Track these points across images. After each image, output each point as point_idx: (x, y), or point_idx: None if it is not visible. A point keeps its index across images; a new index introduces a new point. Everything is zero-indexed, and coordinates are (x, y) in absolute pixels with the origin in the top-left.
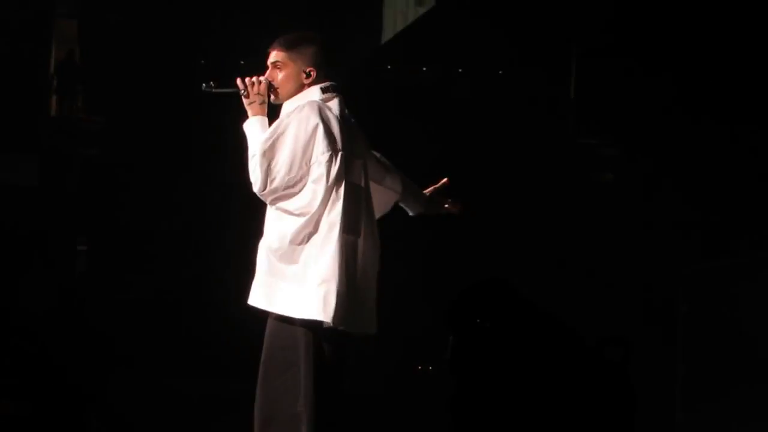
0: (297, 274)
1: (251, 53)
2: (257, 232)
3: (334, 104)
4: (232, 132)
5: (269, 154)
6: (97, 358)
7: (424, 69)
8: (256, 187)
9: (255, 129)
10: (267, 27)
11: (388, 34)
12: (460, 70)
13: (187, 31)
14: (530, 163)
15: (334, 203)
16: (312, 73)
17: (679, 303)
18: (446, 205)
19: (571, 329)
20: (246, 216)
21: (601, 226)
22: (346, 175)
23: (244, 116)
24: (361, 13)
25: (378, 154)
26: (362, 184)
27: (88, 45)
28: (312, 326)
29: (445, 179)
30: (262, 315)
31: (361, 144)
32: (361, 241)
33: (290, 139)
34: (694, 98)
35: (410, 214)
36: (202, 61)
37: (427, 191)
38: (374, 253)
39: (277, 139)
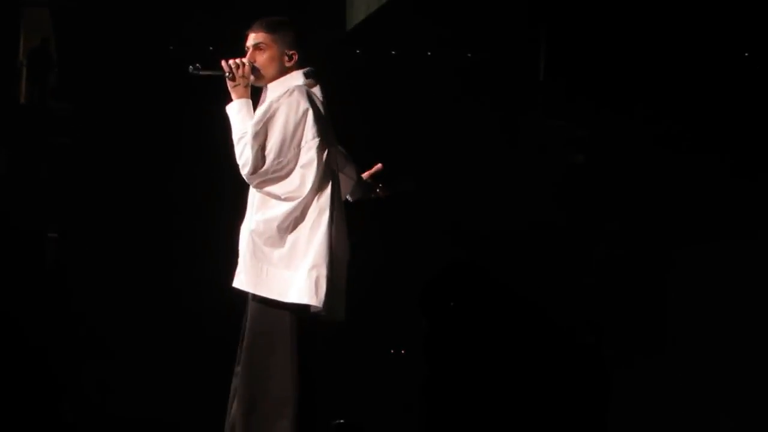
0: (283, 258)
1: (219, 39)
2: (236, 215)
3: (317, 90)
4: (205, 116)
5: (260, 137)
6: (71, 346)
7: (393, 53)
8: (245, 170)
9: (240, 112)
10: (234, 13)
11: (359, 16)
12: (429, 54)
13: (156, 17)
14: (501, 145)
15: (323, 189)
16: (294, 56)
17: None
18: (377, 190)
19: (544, 313)
20: (223, 199)
21: (572, 208)
22: (333, 162)
23: (228, 99)
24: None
25: (342, 149)
26: (336, 169)
27: (59, 32)
28: (296, 310)
29: (379, 165)
30: (245, 298)
31: (331, 131)
32: (333, 227)
33: (281, 122)
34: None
35: (349, 200)
36: (171, 47)
37: (363, 175)
38: (345, 240)
39: (267, 122)
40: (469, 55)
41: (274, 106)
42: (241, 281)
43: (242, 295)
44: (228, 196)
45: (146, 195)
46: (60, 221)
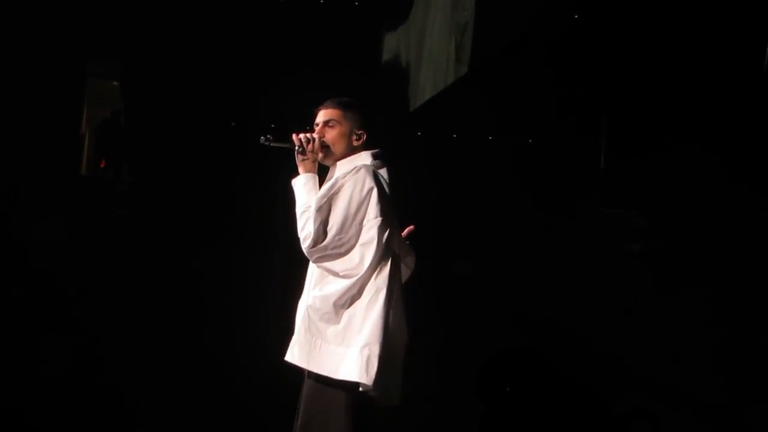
0: (338, 335)
1: (281, 117)
2: (295, 290)
3: (384, 172)
4: (269, 190)
5: (322, 211)
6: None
7: (455, 136)
8: (306, 244)
9: (306, 185)
10: (298, 93)
11: (423, 97)
12: (490, 138)
13: (218, 93)
14: (559, 232)
15: (382, 268)
16: (363, 135)
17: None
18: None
19: (598, 399)
20: (283, 273)
21: (630, 297)
22: (390, 242)
23: (295, 172)
24: (391, 78)
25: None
26: (397, 253)
27: (124, 105)
28: (350, 391)
29: (411, 227)
30: (298, 372)
31: (395, 214)
32: (393, 311)
33: (345, 199)
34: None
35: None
36: (233, 124)
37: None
38: (403, 324)
39: (332, 197)
40: (530, 140)
41: (340, 182)
42: (293, 355)
43: (297, 371)
44: (289, 271)
45: (205, 270)
46: (115, 291)
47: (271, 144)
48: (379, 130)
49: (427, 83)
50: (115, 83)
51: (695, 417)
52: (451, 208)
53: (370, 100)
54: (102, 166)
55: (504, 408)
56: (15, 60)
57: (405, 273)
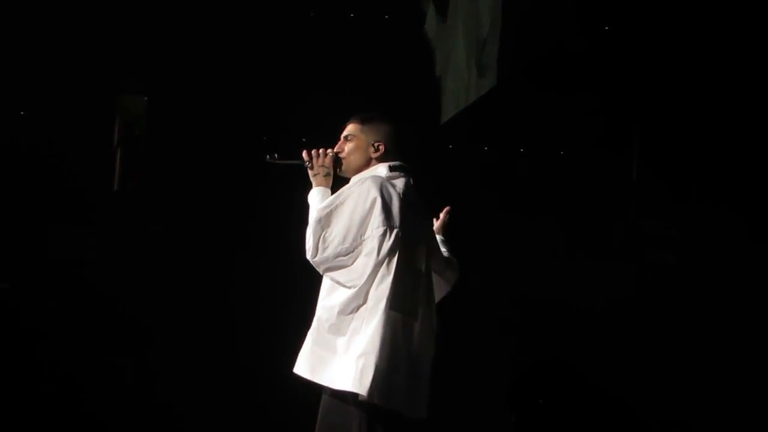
0: (342, 346)
1: (314, 130)
2: (310, 303)
3: (399, 182)
4: (294, 206)
5: (324, 222)
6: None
7: (486, 149)
8: (307, 255)
9: (315, 199)
10: (328, 106)
11: (449, 111)
12: (521, 150)
13: (250, 108)
14: (589, 245)
15: (383, 278)
16: (380, 147)
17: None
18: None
19: (632, 411)
20: (300, 288)
21: (662, 309)
22: (401, 252)
23: (310, 187)
24: (422, 91)
25: (445, 250)
26: (422, 267)
27: (153, 120)
28: (366, 406)
29: (447, 208)
30: (307, 384)
31: (429, 232)
32: (417, 325)
33: (348, 210)
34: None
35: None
36: (264, 138)
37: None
38: (430, 337)
39: (336, 208)
40: (562, 153)
41: (345, 193)
42: (300, 366)
43: (314, 387)
44: (308, 284)
45: (231, 284)
46: (145, 307)
47: (277, 161)
48: (410, 143)
49: (452, 97)
50: (145, 98)
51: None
52: (482, 219)
53: (400, 113)
54: (136, 181)
55: (537, 420)
56: (48, 76)
57: (443, 288)
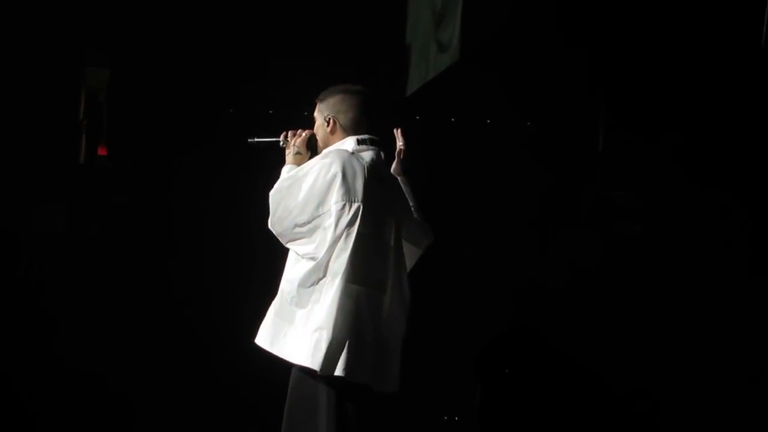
0: (302, 319)
1: (281, 104)
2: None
3: (367, 155)
4: (260, 178)
5: (286, 192)
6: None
7: (452, 120)
8: (268, 223)
9: (282, 174)
10: (293, 80)
11: (415, 83)
12: (488, 121)
13: (217, 80)
14: (556, 214)
15: (341, 251)
16: (331, 120)
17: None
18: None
19: (599, 380)
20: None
21: (629, 279)
22: (361, 226)
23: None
24: (387, 64)
25: (417, 216)
26: (390, 240)
27: (118, 93)
28: (334, 381)
29: (400, 145)
30: (269, 356)
31: (399, 204)
32: (386, 297)
33: (308, 182)
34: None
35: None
36: (231, 110)
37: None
38: (401, 310)
39: (297, 180)
40: (528, 123)
41: (308, 166)
42: (260, 337)
43: (276, 358)
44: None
45: (200, 255)
46: (114, 278)
47: (258, 141)
48: (372, 112)
49: (416, 70)
50: (108, 70)
51: (696, 396)
52: (449, 192)
53: (369, 86)
54: (100, 153)
55: (503, 390)
56: (12, 49)
57: (414, 255)
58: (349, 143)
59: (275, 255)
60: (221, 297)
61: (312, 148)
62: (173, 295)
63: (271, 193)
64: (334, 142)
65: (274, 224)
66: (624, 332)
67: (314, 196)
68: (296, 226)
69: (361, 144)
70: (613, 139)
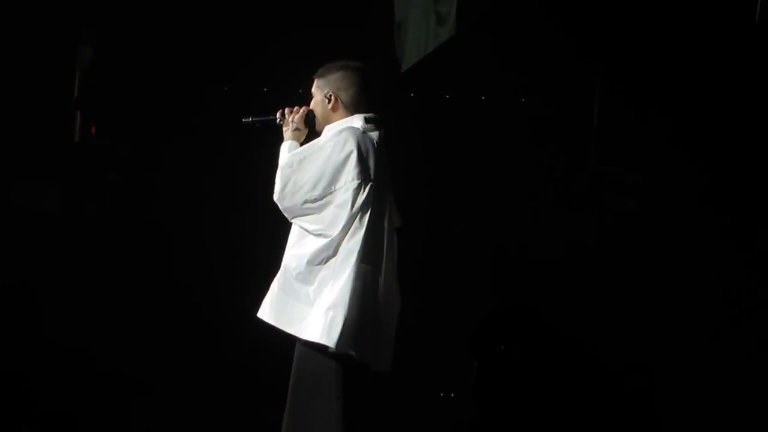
0: (309, 296)
1: (275, 81)
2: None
3: (375, 135)
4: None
5: (297, 167)
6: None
7: (447, 96)
8: (275, 197)
9: (283, 151)
10: (289, 58)
11: (412, 59)
12: (482, 98)
13: (211, 56)
14: (552, 191)
15: (356, 231)
16: (332, 96)
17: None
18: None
19: (595, 356)
20: (270, 234)
21: (625, 254)
22: (373, 206)
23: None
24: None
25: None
26: (387, 221)
27: (108, 70)
28: (341, 357)
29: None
30: (269, 328)
31: (386, 179)
32: (382, 278)
33: (322, 158)
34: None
35: None
36: (225, 88)
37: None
38: (395, 291)
39: (310, 155)
40: (523, 99)
41: (322, 142)
42: (264, 312)
43: (277, 332)
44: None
45: (197, 233)
46: (109, 255)
47: (254, 120)
48: (374, 87)
49: (412, 46)
50: (102, 48)
51: (692, 374)
52: (444, 169)
53: (366, 62)
54: (93, 132)
55: (499, 366)
56: (5, 28)
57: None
58: (357, 121)
59: (276, 230)
60: (220, 274)
61: (310, 124)
62: (172, 275)
63: (281, 166)
64: (336, 119)
65: (282, 199)
66: (620, 309)
67: (328, 172)
68: (306, 202)
69: (369, 123)
70: (609, 115)
